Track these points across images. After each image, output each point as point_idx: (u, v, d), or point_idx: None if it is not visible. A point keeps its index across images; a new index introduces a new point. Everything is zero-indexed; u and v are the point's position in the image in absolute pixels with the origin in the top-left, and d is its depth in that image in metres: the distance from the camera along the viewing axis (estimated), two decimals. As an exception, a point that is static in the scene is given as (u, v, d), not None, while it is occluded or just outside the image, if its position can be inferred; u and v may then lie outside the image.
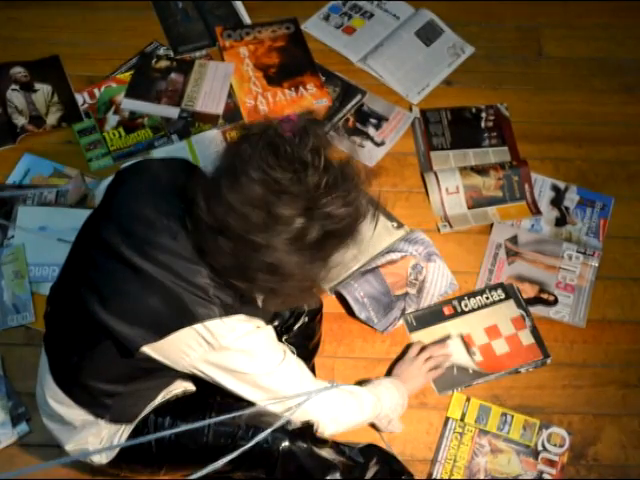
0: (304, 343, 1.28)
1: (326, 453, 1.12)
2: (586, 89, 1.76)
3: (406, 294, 1.46)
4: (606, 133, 1.70)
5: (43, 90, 1.69)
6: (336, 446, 1.15)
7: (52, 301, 1.05)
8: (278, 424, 0.94)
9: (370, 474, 1.17)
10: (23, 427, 1.31)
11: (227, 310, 0.90)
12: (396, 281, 1.47)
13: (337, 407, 1.08)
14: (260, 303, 0.96)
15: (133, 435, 1.05)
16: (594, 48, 1.82)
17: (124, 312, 0.91)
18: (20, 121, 1.65)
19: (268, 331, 0.97)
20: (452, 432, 1.35)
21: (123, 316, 0.91)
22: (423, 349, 1.36)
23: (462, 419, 1.36)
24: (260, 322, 0.95)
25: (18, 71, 1.70)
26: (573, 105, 1.73)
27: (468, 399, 1.37)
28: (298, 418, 1.05)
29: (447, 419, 1.36)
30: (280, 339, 1.23)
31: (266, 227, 0.81)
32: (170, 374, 0.99)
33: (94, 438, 1.06)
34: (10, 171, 1.58)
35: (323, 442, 1.13)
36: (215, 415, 1.05)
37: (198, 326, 0.89)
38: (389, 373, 1.36)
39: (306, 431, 1.10)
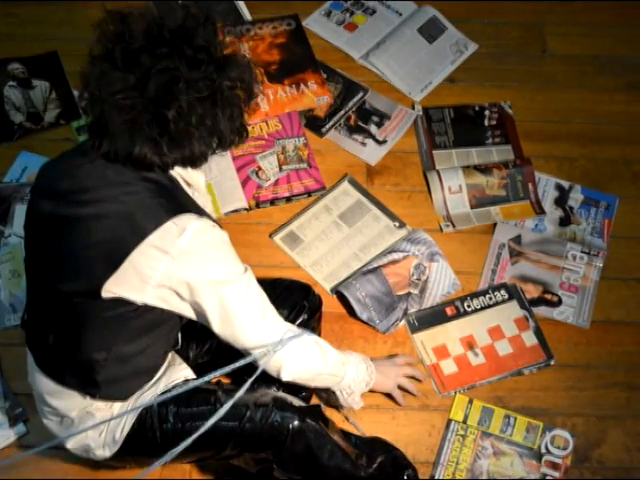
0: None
1: (334, 436, 1.11)
2: (591, 87, 1.74)
3: (408, 294, 1.45)
4: (611, 132, 1.68)
5: (41, 87, 1.67)
6: (342, 432, 1.15)
7: (28, 304, 1.07)
8: (248, 360, 0.93)
9: (375, 463, 1.16)
10: (21, 428, 1.30)
11: (174, 210, 0.91)
12: (398, 281, 1.46)
13: (301, 352, 1.05)
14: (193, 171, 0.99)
15: (137, 427, 1.04)
16: (599, 46, 1.80)
17: (78, 269, 0.93)
18: (17, 118, 1.64)
19: (223, 233, 0.97)
20: (454, 434, 1.33)
21: (79, 273, 0.93)
22: (408, 365, 1.34)
23: (464, 421, 1.34)
24: (212, 222, 0.96)
25: (15, 67, 1.69)
26: (577, 103, 1.72)
27: (471, 401, 1.36)
28: (265, 361, 1.00)
29: (449, 421, 1.35)
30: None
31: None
32: (148, 324, 0.97)
33: (94, 432, 1.04)
34: (7, 169, 1.57)
35: (332, 425, 1.12)
36: (220, 398, 1.04)
37: (151, 238, 0.89)
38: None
39: (315, 411, 1.09)
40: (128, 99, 0.88)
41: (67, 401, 1.04)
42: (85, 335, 0.97)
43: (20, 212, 1.50)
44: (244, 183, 1.58)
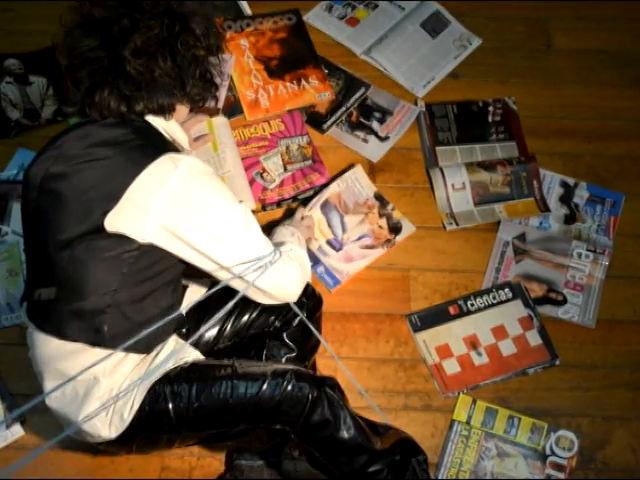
0: (303, 341, 1.25)
1: (350, 408, 1.10)
2: (596, 82, 1.72)
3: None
4: (617, 128, 1.66)
5: (38, 83, 1.65)
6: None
7: (28, 274, 1.08)
8: (227, 281, 0.97)
9: (387, 443, 1.15)
10: (17, 429, 1.29)
11: (164, 148, 0.96)
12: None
13: (297, 268, 1.08)
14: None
15: (147, 406, 1.02)
16: (604, 40, 1.78)
17: (79, 212, 0.95)
18: (14, 115, 1.62)
19: (211, 169, 1.00)
20: (458, 435, 1.32)
21: (80, 215, 0.95)
22: (305, 217, 1.39)
23: (468, 422, 1.33)
24: (202, 161, 1.01)
25: (12, 63, 1.67)
26: (583, 99, 1.70)
27: (474, 401, 1.34)
28: (271, 288, 1.04)
29: (452, 422, 1.33)
30: (279, 335, 1.22)
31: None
32: (149, 270, 0.98)
33: (101, 406, 1.01)
34: (4, 167, 1.55)
35: (346, 399, 1.12)
36: (237, 369, 1.04)
37: (147, 170, 0.93)
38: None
39: (331, 382, 1.09)
40: (93, 52, 0.96)
41: (72, 360, 1.01)
42: (88, 280, 0.97)
43: (17, 210, 1.48)
44: (249, 185, 1.56)
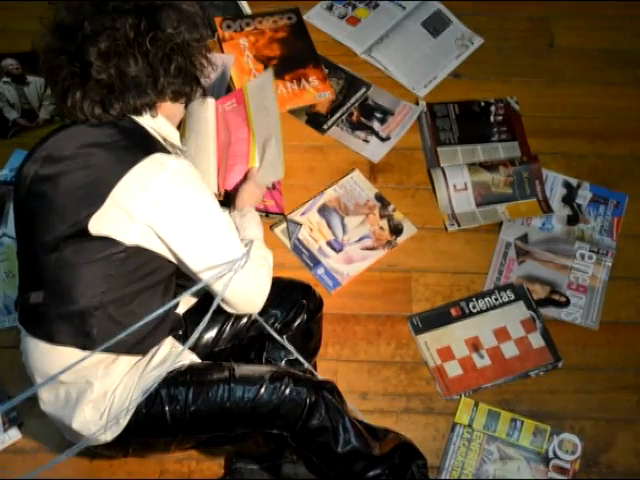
0: (303, 343, 1.24)
1: (349, 413, 1.09)
2: (599, 82, 1.72)
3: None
4: (620, 127, 1.66)
5: (35, 83, 1.65)
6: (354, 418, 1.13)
7: (20, 278, 1.07)
8: (208, 279, 0.97)
9: (386, 448, 1.14)
10: (14, 432, 1.28)
11: (151, 149, 0.96)
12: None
13: (263, 276, 1.06)
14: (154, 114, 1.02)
15: (144, 410, 1.01)
16: (608, 39, 1.78)
17: (64, 214, 0.95)
18: (12, 115, 1.61)
19: (197, 171, 1.00)
20: (460, 438, 1.31)
21: (65, 216, 0.95)
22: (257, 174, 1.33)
23: (470, 425, 1.32)
24: (189, 162, 1.00)
25: (10, 63, 1.66)
26: (586, 98, 1.69)
27: (476, 404, 1.33)
28: (235, 295, 1.02)
29: (454, 425, 1.32)
30: (279, 336, 1.20)
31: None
32: (138, 271, 0.98)
33: (93, 414, 1.01)
34: (1, 167, 1.54)
35: (345, 404, 1.11)
36: (233, 377, 1.03)
37: (131, 173, 0.92)
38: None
39: (330, 386, 1.08)
40: (62, 57, 0.95)
41: (63, 365, 0.98)
42: (75, 283, 0.96)
43: (15, 211, 1.47)
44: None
